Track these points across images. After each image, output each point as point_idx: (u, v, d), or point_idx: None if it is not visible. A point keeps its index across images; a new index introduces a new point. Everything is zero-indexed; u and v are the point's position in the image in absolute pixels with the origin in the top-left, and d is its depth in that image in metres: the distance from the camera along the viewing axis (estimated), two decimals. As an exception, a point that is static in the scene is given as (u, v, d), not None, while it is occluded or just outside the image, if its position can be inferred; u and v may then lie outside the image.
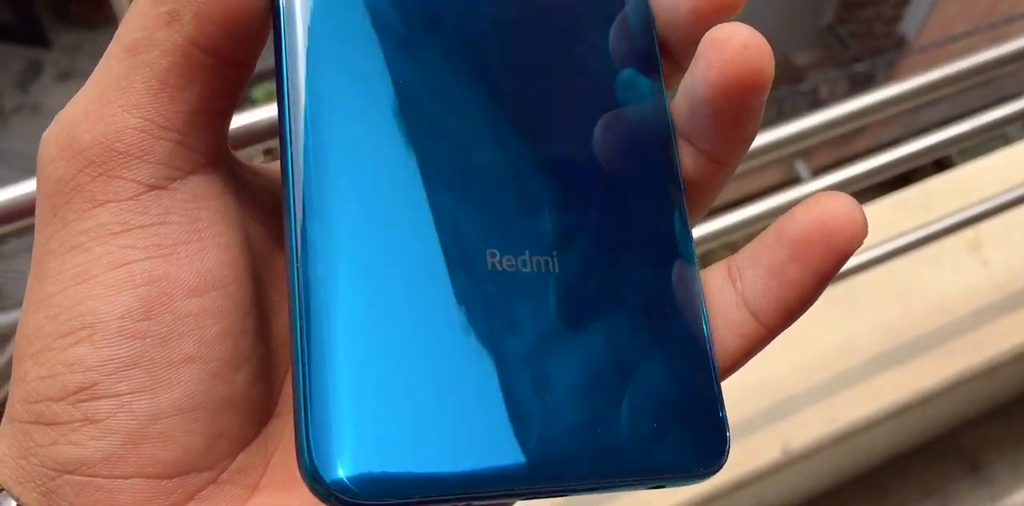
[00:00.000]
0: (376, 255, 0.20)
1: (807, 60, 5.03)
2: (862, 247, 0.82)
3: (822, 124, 0.81)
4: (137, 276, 0.21)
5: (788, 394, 0.96)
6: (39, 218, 0.22)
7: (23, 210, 0.42)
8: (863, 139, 4.05)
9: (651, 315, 0.23)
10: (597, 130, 0.24)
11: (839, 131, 0.82)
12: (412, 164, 0.21)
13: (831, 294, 0.97)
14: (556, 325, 0.22)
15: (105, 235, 0.21)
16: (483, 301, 0.21)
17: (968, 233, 1.07)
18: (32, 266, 0.22)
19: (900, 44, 4.85)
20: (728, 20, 0.23)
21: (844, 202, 0.23)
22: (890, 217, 1.10)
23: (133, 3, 0.22)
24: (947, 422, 1.18)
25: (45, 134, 0.22)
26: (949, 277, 1.07)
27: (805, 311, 0.24)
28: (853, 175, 0.88)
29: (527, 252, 0.22)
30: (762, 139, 0.76)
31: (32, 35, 4.62)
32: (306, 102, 0.21)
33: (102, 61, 0.22)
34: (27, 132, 4.43)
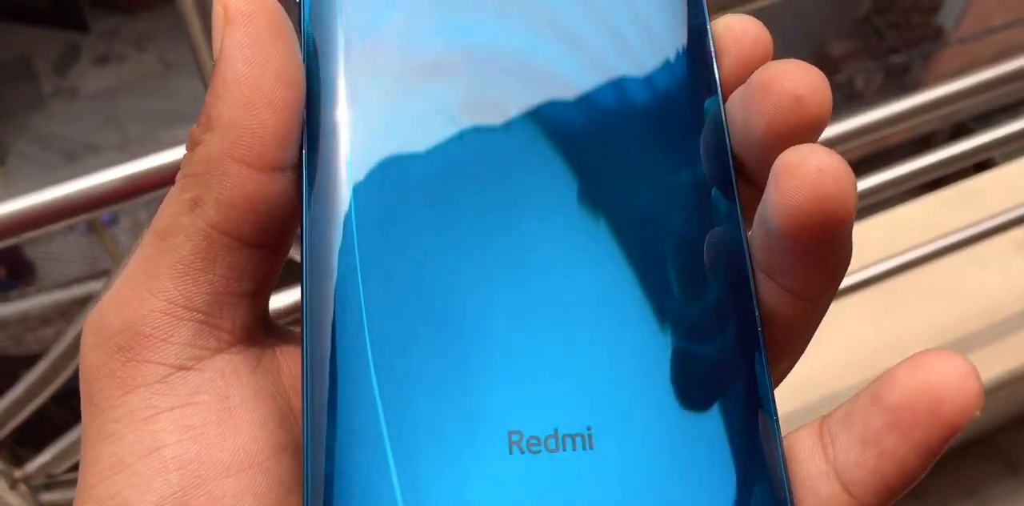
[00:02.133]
0: (394, 446, 0.20)
1: (843, 50, 4.98)
2: (907, 246, 0.82)
3: (866, 126, 0.80)
4: (168, 461, 0.21)
5: (830, 392, 0.96)
6: (82, 404, 0.23)
7: (68, 210, 0.42)
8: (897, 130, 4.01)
9: (721, 485, 0.20)
10: (661, 261, 0.22)
11: (882, 133, 0.81)
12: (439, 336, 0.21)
13: (874, 293, 0.96)
14: None
15: (136, 421, 0.21)
16: (505, 492, 0.20)
17: (1015, 232, 1.06)
18: (80, 453, 0.23)
19: (937, 35, 4.79)
20: (809, 140, 0.21)
21: (956, 365, 0.20)
22: (935, 215, 1.10)
23: (168, 194, 0.22)
24: (987, 423, 1.17)
25: (88, 316, 0.23)
26: (995, 277, 1.06)
27: (906, 489, 0.21)
28: (892, 178, 0.87)
29: (555, 430, 0.20)
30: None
31: (70, 19, 4.65)
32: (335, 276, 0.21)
33: (138, 247, 0.23)
34: (65, 116, 4.47)
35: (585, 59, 0.23)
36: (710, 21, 0.24)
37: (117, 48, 4.71)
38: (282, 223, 0.22)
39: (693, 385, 0.21)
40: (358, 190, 0.21)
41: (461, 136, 0.22)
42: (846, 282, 0.91)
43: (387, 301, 0.21)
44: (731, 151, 0.23)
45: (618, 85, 0.23)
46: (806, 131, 0.21)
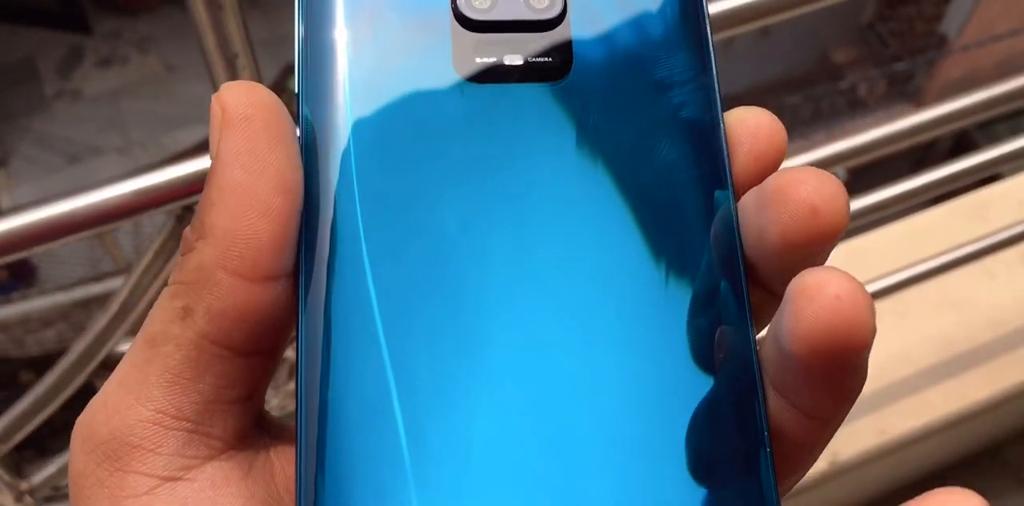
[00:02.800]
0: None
1: (846, 58, 4.98)
2: (915, 258, 0.81)
3: (872, 142, 0.79)
4: None
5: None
6: None
7: (65, 227, 0.42)
8: (902, 139, 4.01)
9: None
10: (668, 364, 0.21)
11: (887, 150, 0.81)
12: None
13: (882, 305, 0.96)
14: None
15: None
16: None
17: (1023, 245, 1.06)
18: None
19: (941, 43, 4.79)
20: (825, 252, 0.21)
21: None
22: (943, 227, 1.09)
23: (159, 297, 0.22)
24: (994, 435, 1.17)
25: (78, 420, 0.22)
26: (1003, 289, 1.06)
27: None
28: (899, 193, 0.86)
29: None
30: (808, 157, 0.75)
31: (74, 21, 4.65)
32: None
33: (128, 350, 0.22)
34: (67, 118, 4.47)
35: (594, 149, 0.23)
36: (723, 113, 0.23)
37: (120, 50, 4.72)
38: (275, 331, 0.22)
39: (701, 491, 0.21)
40: (356, 299, 0.21)
41: (466, 249, 0.22)
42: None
43: (387, 407, 0.20)
44: (742, 252, 0.22)
45: (627, 174, 0.23)
46: (822, 242, 0.21)
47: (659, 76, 0.23)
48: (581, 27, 0.24)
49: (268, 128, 0.21)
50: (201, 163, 0.44)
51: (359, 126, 0.22)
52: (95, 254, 3.89)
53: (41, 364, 3.60)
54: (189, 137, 4.33)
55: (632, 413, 0.21)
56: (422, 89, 0.22)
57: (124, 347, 0.49)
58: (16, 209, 0.41)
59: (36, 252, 0.40)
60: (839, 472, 0.95)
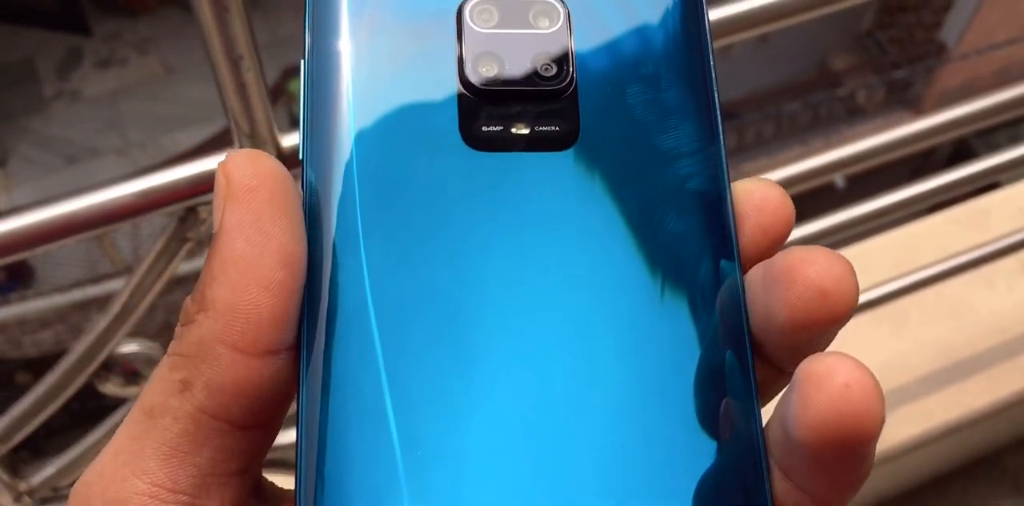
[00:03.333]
0: None
1: (845, 65, 4.99)
2: (914, 265, 0.81)
3: (871, 150, 0.79)
4: None
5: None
6: None
7: (69, 228, 0.42)
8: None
9: None
10: (670, 436, 0.21)
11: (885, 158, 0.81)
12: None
13: (881, 312, 0.96)
14: None
15: None
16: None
17: (1022, 253, 1.06)
18: None
19: (940, 51, 4.80)
20: (834, 332, 0.21)
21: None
22: (943, 235, 1.09)
23: (157, 367, 0.22)
24: (993, 443, 1.17)
25: (73, 488, 0.22)
26: (1002, 297, 1.06)
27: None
28: (898, 200, 0.86)
29: None
30: (806, 164, 0.75)
31: (73, 22, 4.65)
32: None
33: (125, 419, 0.22)
34: (66, 119, 4.47)
35: (601, 220, 0.22)
36: (730, 184, 0.23)
37: (119, 51, 4.72)
38: (274, 404, 0.21)
39: None
40: (361, 375, 0.21)
41: (473, 321, 0.21)
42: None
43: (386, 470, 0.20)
44: (748, 327, 0.22)
45: (633, 244, 0.22)
46: (831, 324, 0.21)
47: (666, 146, 0.23)
48: (589, 96, 0.23)
49: (272, 200, 0.21)
50: (204, 165, 0.43)
51: (364, 193, 0.22)
52: (93, 256, 3.88)
53: (38, 365, 3.60)
54: (188, 139, 4.33)
55: (635, 484, 0.21)
56: (427, 157, 0.22)
57: (125, 348, 0.49)
58: (18, 209, 0.41)
59: (38, 253, 0.40)
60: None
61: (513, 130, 0.23)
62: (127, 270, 3.67)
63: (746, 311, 0.22)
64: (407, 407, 0.20)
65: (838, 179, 4.65)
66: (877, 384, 0.19)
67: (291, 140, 0.44)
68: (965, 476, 1.17)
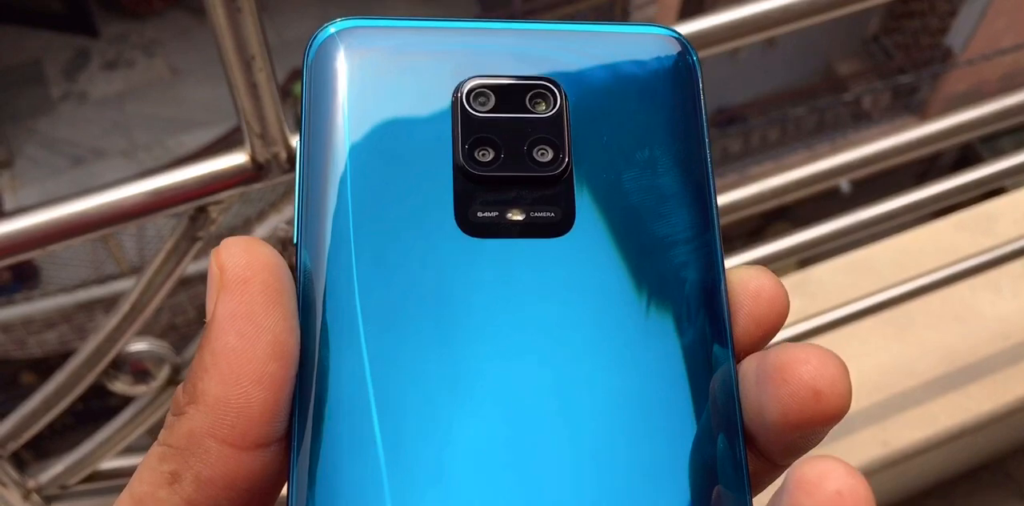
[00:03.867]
0: None
1: (851, 70, 4.99)
2: (920, 270, 0.81)
3: (877, 154, 0.79)
4: None
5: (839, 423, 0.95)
6: None
7: (81, 226, 0.42)
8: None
9: None
10: None
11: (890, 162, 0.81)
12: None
13: (886, 316, 0.96)
14: None
15: None
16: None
17: (1028, 258, 1.06)
18: None
19: (946, 56, 4.80)
20: (826, 431, 0.21)
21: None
22: (948, 239, 1.09)
23: (147, 454, 0.21)
24: (997, 448, 1.17)
25: None
26: (1008, 302, 1.06)
27: None
28: (902, 205, 0.86)
29: None
30: (812, 168, 0.75)
31: (80, 24, 4.67)
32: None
33: (117, 502, 0.22)
34: (73, 120, 4.48)
35: (595, 308, 0.22)
36: (725, 272, 0.23)
37: (126, 54, 4.73)
38: (263, 495, 0.21)
39: None
40: (356, 466, 0.20)
41: (469, 413, 0.21)
42: (858, 306, 0.90)
43: None
44: (740, 418, 0.22)
45: (627, 333, 0.22)
46: (824, 424, 0.21)
47: (661, 233, 0.23)
48: (584, 183, 0.23)
49: (266, 291, 0.21)
50: (215, 164, 0.44)
51: (360, 281, 0.22)
52: (98, 257, 3.89)
53: (42, 366, 3.61)
54: (193, 141, 4.34)
55: None
56: (423, 243, 0.22)
57: (134, 347, 0.49)
58: (30, 208, 0.41)
59: (50, 251, 0.41)
60: (842, 483, 0.95)
61: (508, 216, 0.23)
62: (132, 271, 3.68)
63: (739, 403, 0.22)
64: (405, 499, 0.20)
65: (843, 184, 4.65)
66: (869, 491, 0.19)
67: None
68: (969, 482, 1.17)
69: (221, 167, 0.43)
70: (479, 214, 0.22)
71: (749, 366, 0.22)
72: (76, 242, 0.40)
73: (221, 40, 0.38)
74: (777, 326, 0.23)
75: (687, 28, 0.50)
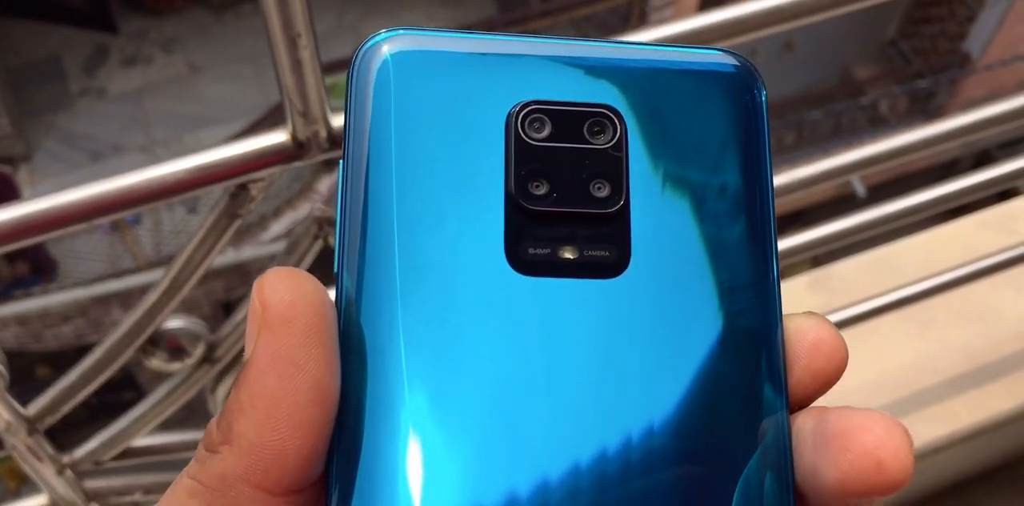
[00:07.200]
0: None
1: (868, 74, 4.98)
2: (941, 267, 0.81)
3: (888, 151, 0.79)
4: None
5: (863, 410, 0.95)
6: None
7: (128, 200, 0.43)
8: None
9: None
10: None
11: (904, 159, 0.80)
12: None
13: (907, 313, 0.96)
14: None
15: None
16: None
17: (1050, 257, 1.06)
18: None
19: (964, 62, 4.78)
20: (882, 499, 0.20)
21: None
22: (970, 238, 1.09)
23: (174, 484, 0.21)
24: (1017, 448, 1.17)
25: None
26: (1030, 301, 1.06)
27: None
28: (915, 204, 0.85)
29: None
30: (821, 165, 0.75)
31: (101, 20, 4.69)
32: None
33: None
34: (92, 115, 4.50)
35: (646, 355, 0.21)
36: (782, 321, 0.22)
37: (145, 50, 4.75)
38: None
39: None
40: None
41: (515, 456, 0.20)
42: (879, 302, 0.90)
43: None
44: (792, 478, 0.21)
45: (678, 381, 0.21)
46: (882, 494, 0.20)
47: (719, 280, 0.22)
48: (641, 221, 0.22)
49: (309, 332, 0.20)
50: (256, 142, 0.44)
51: (404, 317, 0.21)
52: (115, 251, 3.91)
53: (58, 359, 3.63)
54: (211, 137, 4.35)
55: None
56: (470, 280, 0.21)
57: (170, 324, 0.50)
58: (79, 185, 0.42)
59: (97, 224, 0.41)
60: (861, 479, 0.95)
61: (561, 253, 0.21)
62: (148, 266, 3.70)
63: (791, 459, 0.21)
64: None
65: (859, 189, 4.64)
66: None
67: (340, 120, 0.45)
68: (988, 481, 1.17)
69: (262, 145, 0.44)
70: (531, 251, 0.21)
71: (805, 424, 0.21)
72: (126, 214, 0.41)
73: (268, 16, 0.39)
74: (834, 379, 0.22)
75: (706, 20, 0.50)
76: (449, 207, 0.21)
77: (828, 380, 0.22)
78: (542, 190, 0.22)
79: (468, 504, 0.20)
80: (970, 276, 0.92)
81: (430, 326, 0.21)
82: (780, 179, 0.72)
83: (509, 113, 0.22)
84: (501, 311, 0.21)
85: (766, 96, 0.24)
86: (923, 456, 0.98)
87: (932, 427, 0.97)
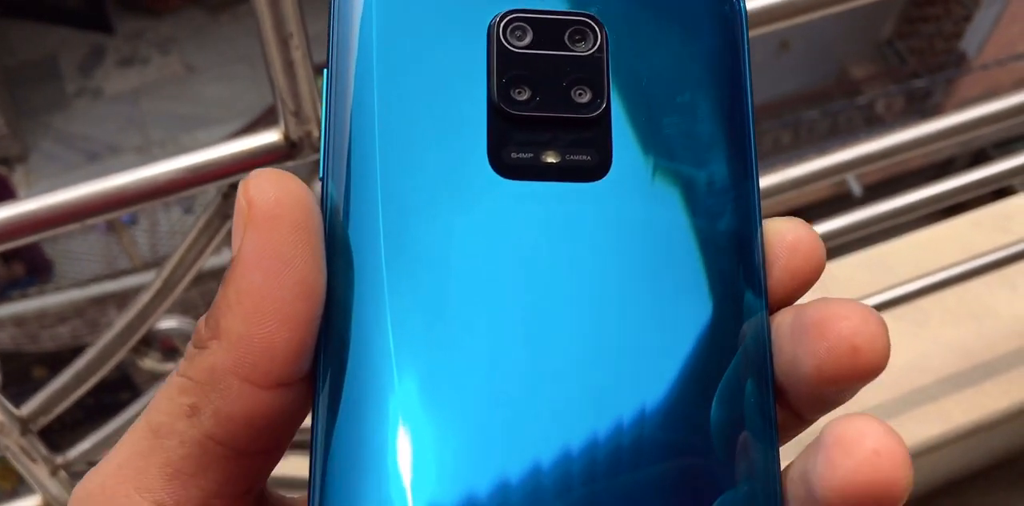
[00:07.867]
0: None
1: (864, 73, 4.98)
2: (936, 266, 0.81)
3: (882, 150, 0.79)
4: None
5: (856, 411, 0.96)
6: None
7: (120, 200, 0.43)
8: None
9: None
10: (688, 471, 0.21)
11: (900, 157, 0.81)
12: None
13: (903, 311, 0.96)
14: None
15: None
16: None
17: (1045, 256, 1.06)
18: None
19: (960, 61, 4.79)
20: (860, 387, 0.21)
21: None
22: (965, 237, 1.10)
23: (165, 384, 0.21)
24: (1012, 447, 1.17)
25: (72, 497, 0.22)
26: (1024, 300, 1.06)
27: None
28: (910, 203, 0.86)
29: None
30: (818, 163, 0.75)
31: (97, 21, 4.69)
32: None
33: (130, 429, 0.21)
34: (88, 116, 4.50)
35: (628, 255, 0.22)
36: (762, 222, 0.23)
37: (141, 50, 4.75)
38: (282, 432, 0.21)
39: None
40: (378, 414, 0.20)
41: (495, 356, 0.21)
42: (874, 301, 0.91)
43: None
44: (771, 371, 0.22)
45: (660, 281, 0.22)
46: (860, 380, 0.20)
47: (699, 181, 0.22)
48: (622, 126, 0.22)
49: (295, 229, 0.20)
50: (249, 142, 0.44)
51: (386, 219, 0.21)
52: (111, 252, 3.91)
53: (54, 360, 3.63)
54: (207, 137, 4.36)
55: None
56: (453, 182, 0.21)
57: (163, 324, 0.50)
58: (71, 185, 0.42)
59: (90, 224, 0.41)
60: (855, 478, 0.95)
61: (543, 158, 0.22)
62: (144, 267, 3.70)
63: (771, 354, 0.22)
64: (428, 437, 0.20)
65: (855, 188, 4.65)
66: (906, 450, 0.19)
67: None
68: (982, 480, 1.17)
69: (255, 144, 0.44)
70: (513, 155, 0.22)
71: (784, 319, 0.22)
72: (119, 213, 0.41)
73: (260, 16, 0.39)
74: (813, 279, 0.23)
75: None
76: (432, 113, 0.22)
77: (807, 279, 0.23)
78: (524, 96, 0.22)
79: (453, 395, 0.20)
80: (965, 275, 0.92)
81: (413, 226, 0.21)
82: (776, 178, 0.72)
83: (491, 23, 0.22)
84: (484, 215, 0.21)
85: (745, 5, 0.24)
86: (917, 455, 0.98)
87: (926, 426, 0.98)
